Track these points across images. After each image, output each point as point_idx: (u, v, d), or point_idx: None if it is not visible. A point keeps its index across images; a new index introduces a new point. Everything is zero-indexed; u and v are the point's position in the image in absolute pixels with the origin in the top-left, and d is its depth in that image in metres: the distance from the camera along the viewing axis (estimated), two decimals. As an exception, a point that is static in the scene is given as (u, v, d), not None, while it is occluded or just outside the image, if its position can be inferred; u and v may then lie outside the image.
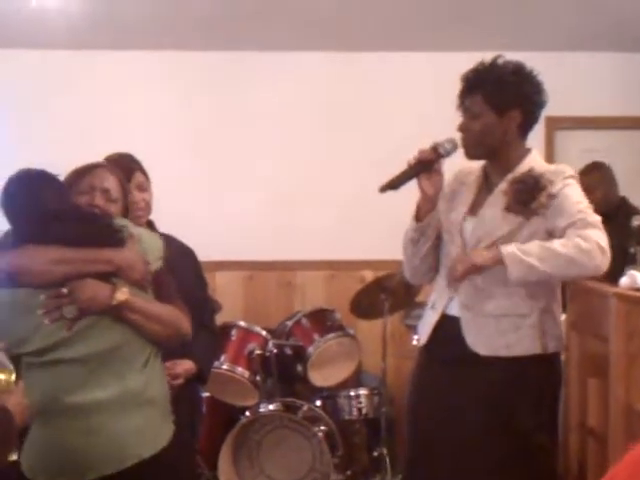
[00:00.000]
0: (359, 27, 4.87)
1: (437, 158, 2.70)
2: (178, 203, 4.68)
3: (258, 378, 4.28)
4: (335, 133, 5.25)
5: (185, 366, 2.87)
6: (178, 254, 2.80)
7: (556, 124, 5.02)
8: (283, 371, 4.41)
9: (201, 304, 3.00)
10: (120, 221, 2.43)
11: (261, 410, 4.21)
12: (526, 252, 2.54)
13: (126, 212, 2.60)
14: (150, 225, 2.97)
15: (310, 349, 4.40)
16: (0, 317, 2.29)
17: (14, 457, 2.12)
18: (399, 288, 4.31)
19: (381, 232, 4.84)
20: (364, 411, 4.44)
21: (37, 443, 2.29)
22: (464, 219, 2.76)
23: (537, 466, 2.70)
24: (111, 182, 2.57)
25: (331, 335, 4.45)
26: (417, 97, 5.17)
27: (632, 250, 3.04)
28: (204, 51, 5.15)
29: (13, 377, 2.15)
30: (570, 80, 4.99)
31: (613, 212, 3.95)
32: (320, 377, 4.45)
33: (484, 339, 2.67)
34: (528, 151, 2.77)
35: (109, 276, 2.29)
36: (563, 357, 2.87)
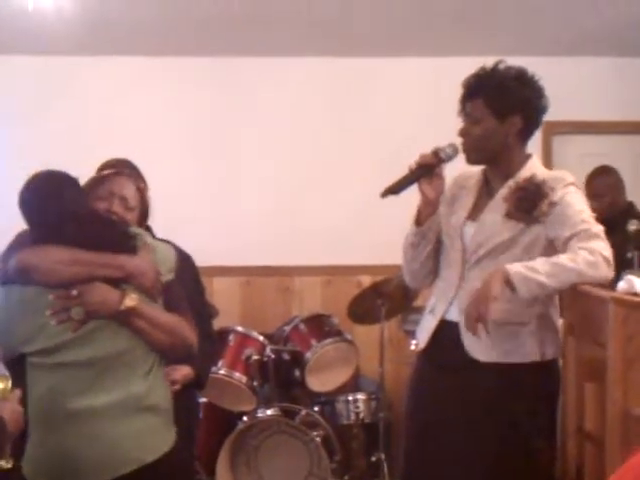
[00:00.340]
0: (361, 33, 4.87)
1: (438, 163, 2.70)
2: (176, 209, 4.67)
3: (255, 383, 4.28)
4: (335, 139, 5.25)
5: (183, 372, 2.87)
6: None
7: (553, 129, 5.02)
8: (281, 376, 4.42)
9: (199, 309, 2.99)
10: (135, 229, 2.44)
11: (259, 415, 4.21)
12: (534, 269, 2.49)
13: (143, 220, 2.61)
14: (148, 230, 2.96)
15: (308, 354, 4.40)
16: (7, 315, 2.29)
17: (9, 465, 2.10)
18: (396, 293, 4.31)
19: (379, 237, 4.85)
20: (362, 416, 4.45)
21: (39, 447, 2.30)
22: (464, 223, 2.76)
23: (535, 471, 2.69)
24: (129, 190, 2.60)
25: (329, 340, 4.45)
26: (418, 102, 5.18)
27: (629, 255, 3.03)
28: (205, 57, 5.15)
29: (9, 384, 2.14)
30: (568, 85, 4.98)
31: (619, 217, 3.92)
32: (318, 382, 4.45)
33: (483, 345, 2.66)
34: (529, 157, 2.77)
35: (119, 282, 2.29)
36: (560, 362, 2.87)
